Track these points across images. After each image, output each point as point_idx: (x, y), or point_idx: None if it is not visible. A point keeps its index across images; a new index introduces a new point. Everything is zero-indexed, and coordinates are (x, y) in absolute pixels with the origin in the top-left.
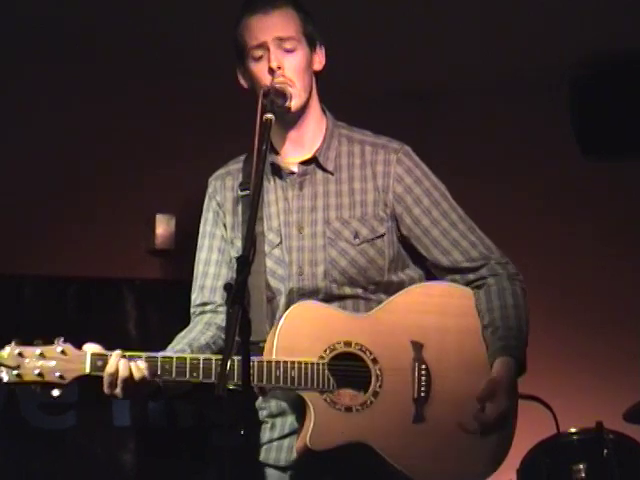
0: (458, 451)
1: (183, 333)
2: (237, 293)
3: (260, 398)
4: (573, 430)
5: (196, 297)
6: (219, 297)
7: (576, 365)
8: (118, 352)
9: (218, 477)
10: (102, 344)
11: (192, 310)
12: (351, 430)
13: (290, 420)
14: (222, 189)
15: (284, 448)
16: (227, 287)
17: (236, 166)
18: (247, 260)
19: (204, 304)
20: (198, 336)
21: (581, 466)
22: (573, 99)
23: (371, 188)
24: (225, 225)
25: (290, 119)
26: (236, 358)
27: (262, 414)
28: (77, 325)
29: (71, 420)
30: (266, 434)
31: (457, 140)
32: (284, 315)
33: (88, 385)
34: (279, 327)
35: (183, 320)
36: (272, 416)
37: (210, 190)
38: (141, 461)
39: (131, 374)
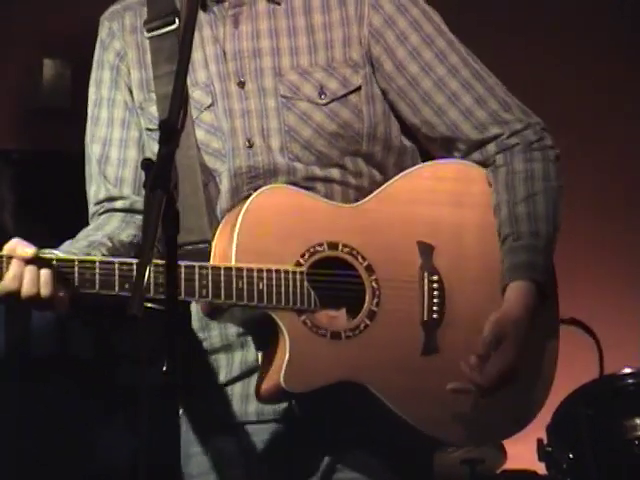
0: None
1: (90, 228)
2: (160, 172)
3: (198, 325)
4: (628, 371)
5: (97, 190)
6: (129, 189)
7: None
8: (13, 247)
9: (127, 429)
10: None
11: (93, 210)
12: (339, 364)
13: (239, 357)
14: (121, 32)
15: (234, 397)
16: (145, 164)
17: None
18: (175, 126)
19: (111, 199)
20: (117, 232)
21: (638, 421)
22: None
23: (338, 20)
24: (130, 86)
25: None
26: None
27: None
28: None
29: None
30: (210, 378)
31: None
32: (246, 204)
33: None
34: (239, 221)
35: (82, 208)
36: (214, 351)
37: (103, 35)
38: (21, 402)
39: (38, 290)
